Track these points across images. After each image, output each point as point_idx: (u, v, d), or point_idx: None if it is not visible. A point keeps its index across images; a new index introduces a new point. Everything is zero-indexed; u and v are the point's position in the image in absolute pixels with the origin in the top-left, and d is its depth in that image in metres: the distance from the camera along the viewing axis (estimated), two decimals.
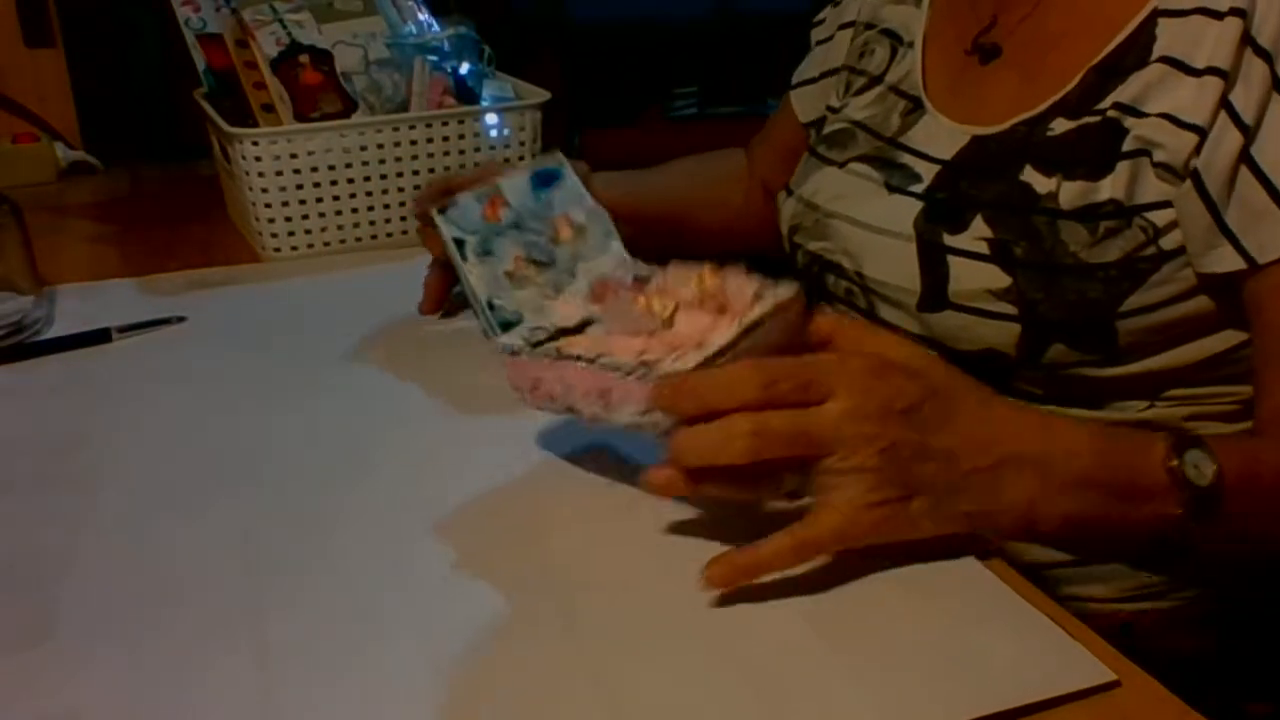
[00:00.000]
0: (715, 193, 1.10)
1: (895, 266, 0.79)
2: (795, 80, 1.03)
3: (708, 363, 0.57)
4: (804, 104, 1.02)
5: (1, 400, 0.79)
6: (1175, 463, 0.60)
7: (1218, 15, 0.67)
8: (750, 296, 0.61)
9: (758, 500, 0.60)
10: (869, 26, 0.93)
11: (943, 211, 0.77)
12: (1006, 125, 0.76)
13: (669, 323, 0.62)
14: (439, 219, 0.85)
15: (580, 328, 0.65)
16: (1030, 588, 0.58)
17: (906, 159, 0.82)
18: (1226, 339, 0.72)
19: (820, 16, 1.02)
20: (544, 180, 0.88)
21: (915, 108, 0.84)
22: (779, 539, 0.56)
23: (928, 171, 0.80)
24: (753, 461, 0.55)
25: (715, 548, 0.61)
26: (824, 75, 0.99)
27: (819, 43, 1.01)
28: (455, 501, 0.66)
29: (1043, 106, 0.74)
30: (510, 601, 0.57)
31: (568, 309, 0.66)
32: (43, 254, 0.95)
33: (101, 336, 0.87)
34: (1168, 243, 0.69)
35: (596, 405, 0.61)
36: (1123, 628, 0.76)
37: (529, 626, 0.55)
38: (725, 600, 0.56)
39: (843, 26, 0.97)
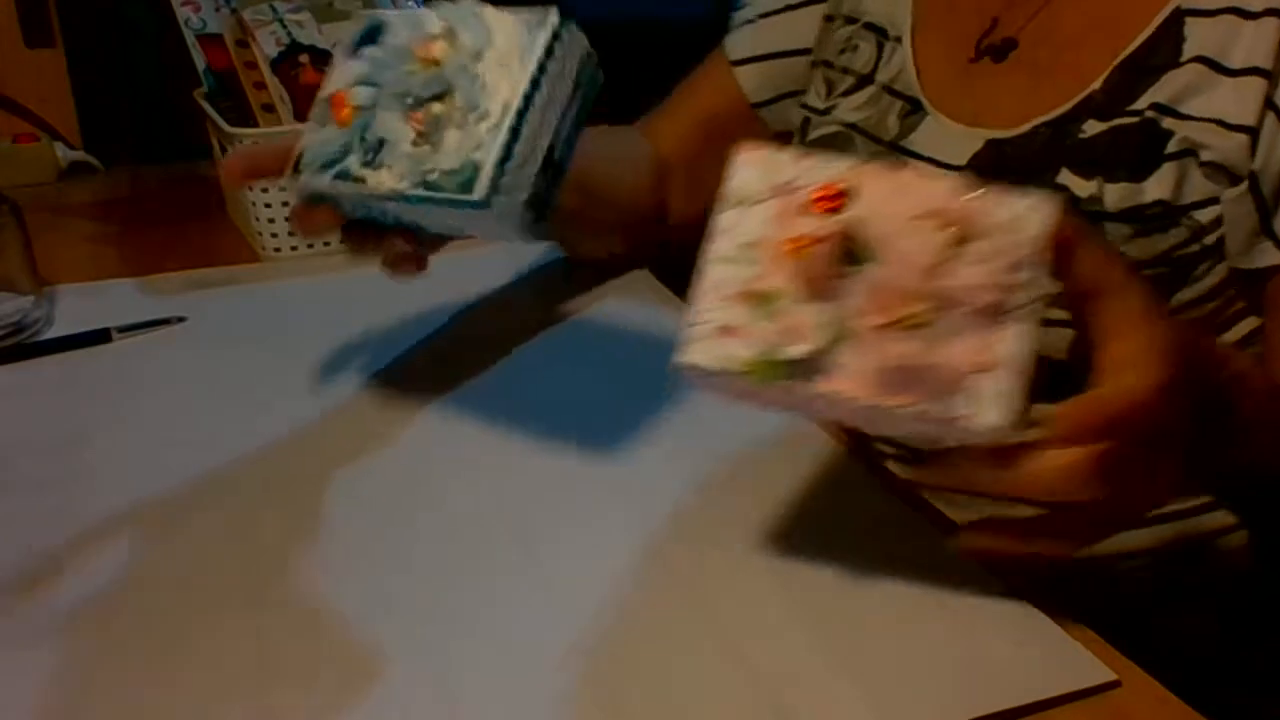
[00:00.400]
0: (613, 174, 0.96)
1: None
2: (745, 54, 0.95)
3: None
4: (755, 82, 0.95)
5: (1, 400, 0.79)
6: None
7: (1251, 15, 0.67)
8: (1014, 255, 0.49)
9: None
10: (851, 20, 0.89)
11: None
12: (1025, 128, 0.74)
13: (933, 340, 0.49)
14: (300, 181, 0.65)
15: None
16: (1030, 587, 0.58)
17: (913, 165, 0.80)
18: (1251, 324, 0.73)
19: None
20: (369, 41, 0.67)
21: (914, 109, 0.82)
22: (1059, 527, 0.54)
23: None
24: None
25: (715, 547, 0.61)
26: (786, 55, 0.93)
27: (778, 11, 0.94)
28: (454, 498, 0.66)
29: (1065, 107, 0.73)
30: (510, 601, 0.57)
31: (798, 333, 0.50)
32: (43, 254, 0.95)
33: (101, 336, 0.87)
34: (1210, 239, 0.69)
35: (852, 423, 0.53)
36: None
37: (528, 626, 0.55)
38: (725, 600, 0.56)
39: (810, 1, 0.92)
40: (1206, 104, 0.68)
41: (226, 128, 1.03)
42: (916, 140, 0.81)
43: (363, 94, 0.64)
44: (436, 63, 0.63)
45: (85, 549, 0.61)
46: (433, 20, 0.64)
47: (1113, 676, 0.52)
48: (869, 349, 0.48)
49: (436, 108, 0.61)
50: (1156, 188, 0.69)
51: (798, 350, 0.49)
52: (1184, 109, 0.68)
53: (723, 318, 0.51)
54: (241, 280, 1.01)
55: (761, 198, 0.52)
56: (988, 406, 0.47)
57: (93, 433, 0.74)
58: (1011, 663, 0.53)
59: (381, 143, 0.62)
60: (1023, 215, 0.48)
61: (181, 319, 0.91)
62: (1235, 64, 0.67)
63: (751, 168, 0.53)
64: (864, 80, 0.86)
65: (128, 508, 0.65)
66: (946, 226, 0.49)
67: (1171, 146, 0.69)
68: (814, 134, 0.88)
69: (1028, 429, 0.48)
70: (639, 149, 0.99)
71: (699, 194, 0.96)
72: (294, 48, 1.07)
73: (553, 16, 0.62)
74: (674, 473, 0.68)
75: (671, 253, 0.97)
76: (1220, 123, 0.67)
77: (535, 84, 0.60)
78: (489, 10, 0.63)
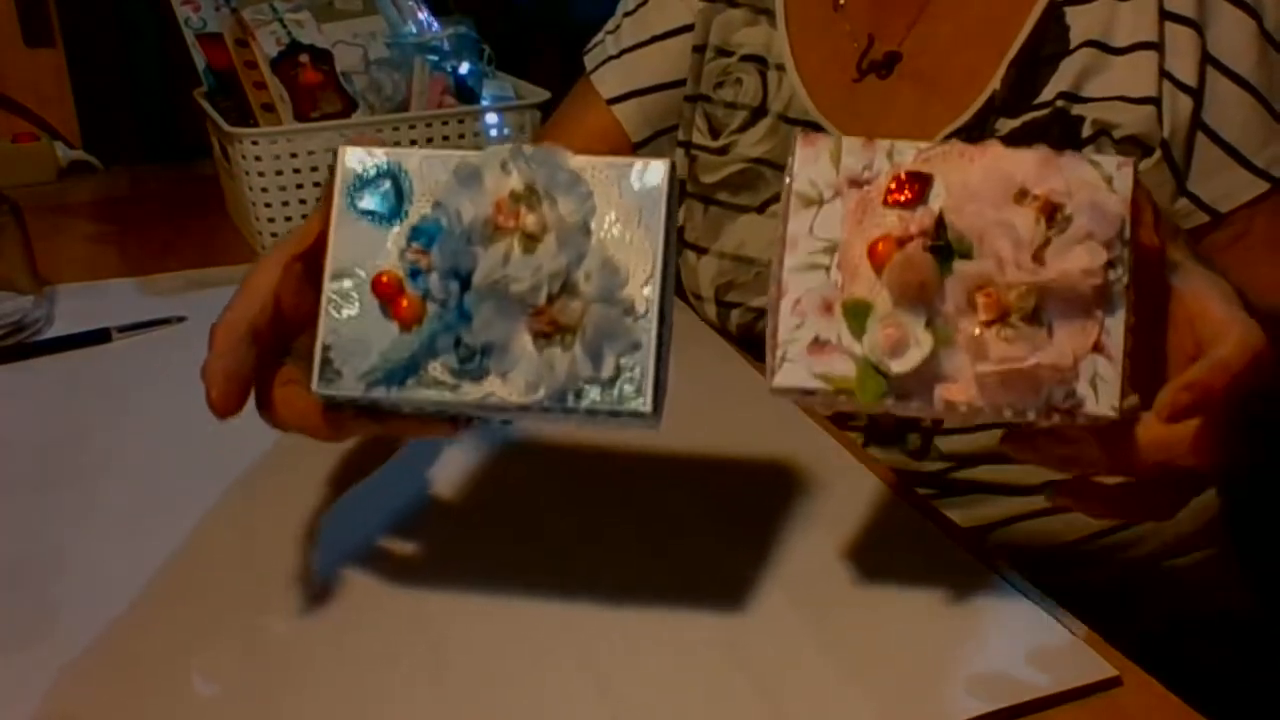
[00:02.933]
0: None
1: None
2: (620, 90, 0.90)
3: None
4: (637, 119, 0.91)
5: (1, 400, 0.79)
6: None
7: None
8: (1102, 232, 0.46)
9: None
10: (724, 53, 0.85)
11: None
12: (936, 139, 0.75)
13: (1040, 332, 0.46)
14: (345, 394, 0.49)
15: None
16: (1030, 586, 0.58)
17: None
18: None
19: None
20: (380, 196, 0.50)
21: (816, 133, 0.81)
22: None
23: None
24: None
25: (714, 546, 0.61)
26: (661, 88, 0.90)
27: (643, 44, 0.90)
28: (451, 495, 0.66)
29: (969, 113, 0.74)
30: (509, 602, 0.57)
31: (899, 349, 0.46)
32: (43, 254, 0.95)
33: (101, 336, 0.87)
34: None
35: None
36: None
37: (527, 626, 0.55)
38: (725, 599, 0.56)
39: (678, 31, 0.89)
40: (1105, 84, 0.71)
41: (226, 127, 1.03)
42: None
43: (435, 285, 0.48)
44: (534, 238, 0.48)
45: (85, 549, 0.61)
46: (494, 170, 0.48)
47: (1114, 672, 0.51)
48: (975, 352, 0.46)
49: (563, 302, 0.47)
50: None
51: (901, 365, 0.46)
52: (1085, 92, 0.71)
53: (812, 333, 0.47)
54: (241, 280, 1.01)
55: (832, 195, 0.48)
56: (1100, 394, 0.45)
57: (93, 433, 0.74)
58: (1011, 660, 0.52)
59: (487, 346, 0.48)
60: (1111, 177, 0.46)
61: (181, 319, 0.90)
62: (1121, 43, 0.70)
63: (815, 163, 0.49)
64: (757, 113, 0.83)
65: (128, 508, 0.65)
66: (1036, 204, 0.46)
67: (1086, 130, 0.71)
68: (714, 175, 0.85)
69: (1135, 405, 0.46)
70: None
71: None
72: (294, 47, 1.07)
73: (664, 164, 0.49)
74: (673, 471, 0.68)
75: None
76: (1123, 99, 0.70)
77: (667, 257, 0.48)
78: (575, 159, 0.49)
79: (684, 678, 0.52)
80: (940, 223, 0.46)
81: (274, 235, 1.05)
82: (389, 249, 0.49)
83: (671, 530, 0.63)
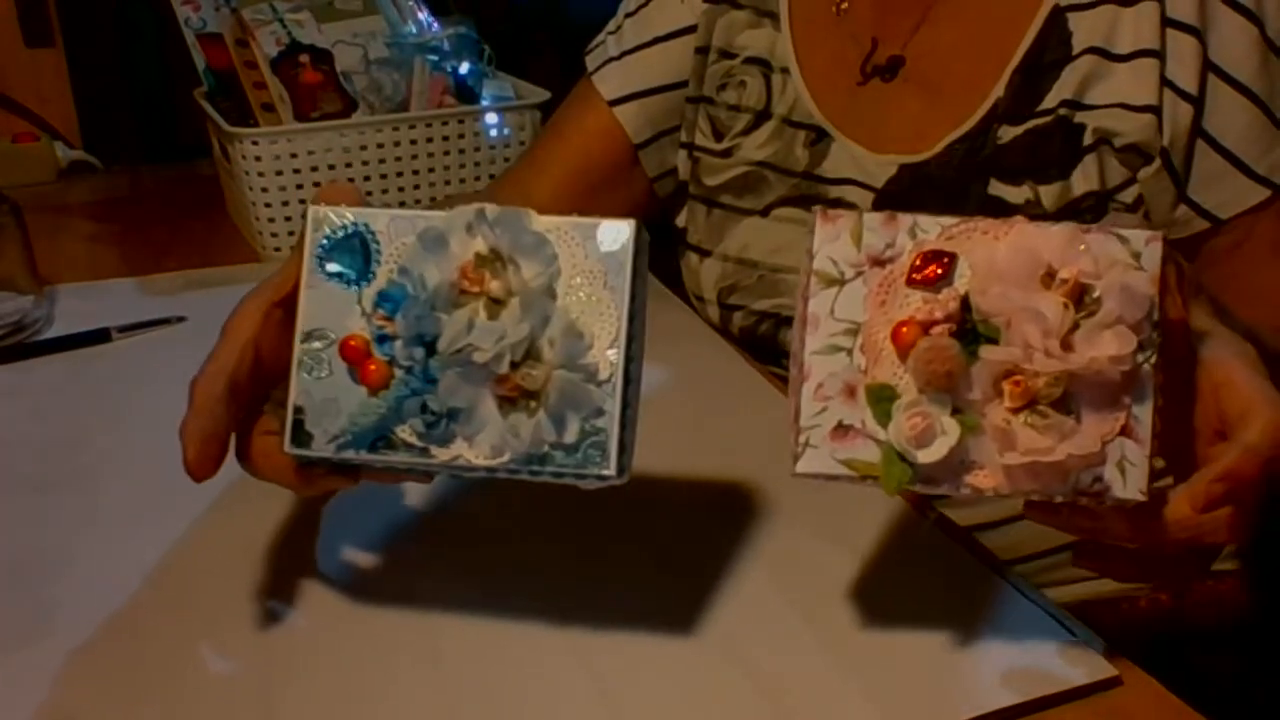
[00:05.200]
0: None
1: None
2: (622, 92, 0.88)
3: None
4: (638, 121, 0.89)
5: (1, 400, 0.79)
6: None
7: (1127, 2, 0.70)
8: (1131, 315, 0.45)
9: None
10: (727, 55, 0.85)
11: None
12: (939, 148, 0.75)
13: (1066, 419, 0.45)
14: (315, 456, 0.50)
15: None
16: (1030, 586, 0.58)
17: (834, 191, 0.79)
18: None
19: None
20: (349, 260, 0.50)
21: (820, 137, 0.80)
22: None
23: (864, 200, 0.78)
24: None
25: (714, 547, 0.61)
26: (663, 90, 0.89)
27: (645, 45, 0.89)
28: (451, 498, 0.66)
29: (973, 120, 0.74)
30: (509, 602, 0.57)
31: (926, 438, 0.46)
32: (43, 254, 0.95)
33: (101, 336, 0.87)
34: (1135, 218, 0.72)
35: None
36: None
37: (527, 627, 0.55)
38: (725, 600, 0.56)
39: (680, 33, 0.88)
40: (1106, 91, 0.71)
41: (226, 127, 1.03)
42: (828, 168, 0.80)
43: (400, 351, 0.49)
44: (499, 302, 0.48)
45: (85, 549, 0.61)
46: (459, 234, 0.48)
47: (1114, 672, 0.51)
48: (1002, 442, 0.45)
49: (526, 369, 0.48)
50: (1083, 181, 0.71)
51: (929, 455, 0.45)
52: (1088, 100, 0.71)
53: (835, 418, 0.47)
54: (241, 280, 1.01)
55: (854, 274, 0.47)
56: (1128, 479, 0.45)
57: (93, 433, 0.74)
58: (1011, 660, 0.52)
59: (453, 412, 0.49)
60: (1139, 253, 0.46)
61: (181, 319, 0.91)
62: (1123, 49, 0.70)
63: (836, 240, 0.48)
64: (761, 116, 0.83)
65: (127, 508, 0.65)
66: (1064, 288, 0.45)
67: (1087, 138, 0.71)
68: (718, 178, 0.85)
69: (1165, 487, 0.47)
70: None
71: None
72: (294, 47, 1.07)
73: (629, 224, 0.49)
74: (673, 471, 0.68)
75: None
76: (1124, 106, 0.70)
77: (633, 318, 0.48)
78: (540, 220, 0.49)
79: (684, 678, 0.52)
80: (965, 305, 0.46)
81: (274, 235, 1.05)
82: (357, 311, 0.50)
83: (670, 531, 0.63)
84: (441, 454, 0.49)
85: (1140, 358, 0.45)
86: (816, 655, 0.53)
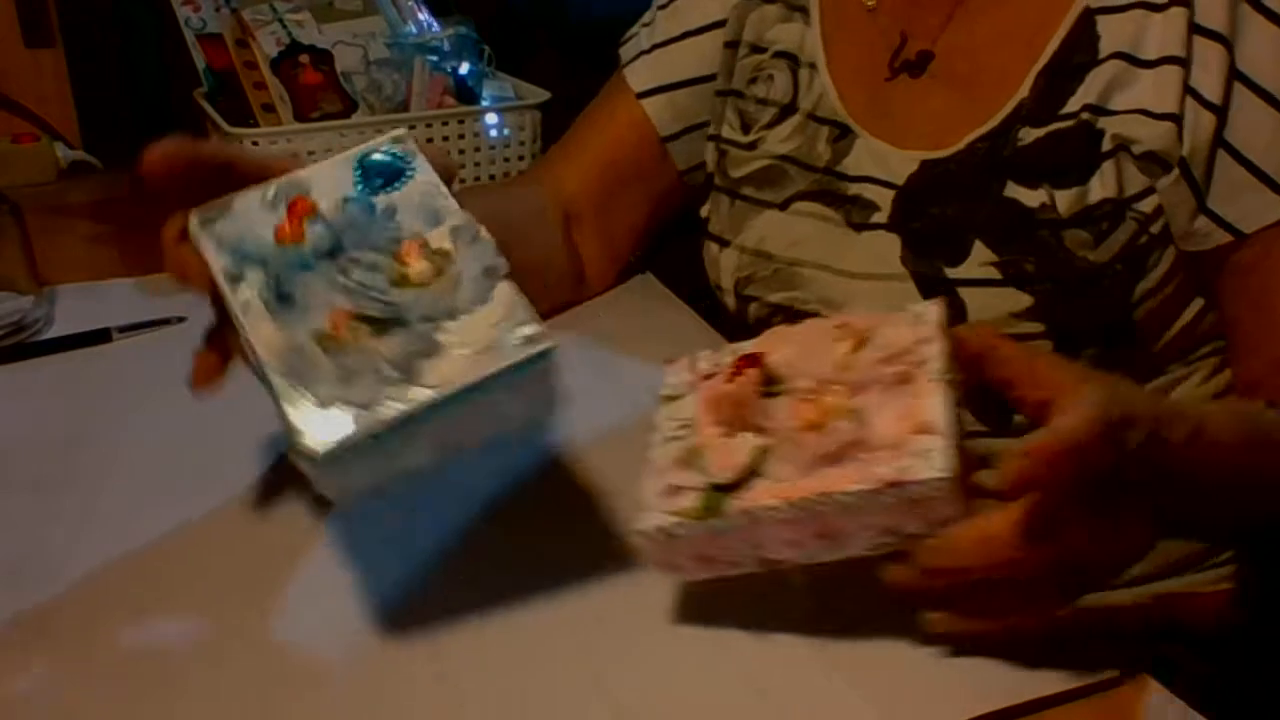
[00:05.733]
0: (518, 233, 0.85)
1: (894, 308, 0.77)
2: (650, 84, 0.90)
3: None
4: (667, 114, 0.90)
5: (1, 400, 0.79)
6: None
7: (1157, 7, 0.69)
8: (912, 341, 0.53)
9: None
10: (757, 49, 0.85)
11: (929, 243, 0.74)
12: (962, 145, 0.74)
13: (858, 422, 0.51)
14: (201, 234, 0.56)
15: (729, 487, 0.52)
16: None
17: (854, 188, 0.79)
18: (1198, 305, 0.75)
19: None
20: (379, 174, 0.56)
21: (843, 133, 0.80)
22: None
23: (882, 198, 0.77)
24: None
25: None
26: (692, 83, 0.89)
27: (676, 39, 0.90)
28: (452, 500, 0.66)
29: (997, 119, 0.73)
30: (508, 603, 0.57)
31: (727, 459, 0.52)
32: (43, 254, 0.95)
33: (101, 336, 0.87)
34: (1156, 228, 0.71)
35: (812, 548, 0.52)
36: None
37: (527, 628, 0.55)
38: (725, 601, 0.56)
39: (710, 27, 0.89)
40: (1129, 97, 0.69)
41: (226, 128, 1.03)
42: (850, 164, 0.79)
43: (320, 231, 0.54)
44: (404, 277, 0.52)
45: (85, 549, 0.61)
46: (441, 228, 0.54)
47: (1114, 673, 0.52)
48: (799, 449, 0.50)
49: (364, 330, 0.51)
50: (1100, 187, 0.70)
51: (727, 474, 0.51)
52: (1111, 105, 0.70)
53: (666, 482, 0.54)
54: None
55: (689, 390, 0.58)
56: (927, 459, 0.48)
57: (93, 433, 0.74)
58: (1011, 661, 0.52)
59: (290, 295, 0.52)
60: (916, 315, 0.54)
61: (181, 319, 0.90)
62: (1150, 55, 0.69)
63: (677, 374, 0.60)
64: (787, 110, 0.83)
65: (128, 508, 0.65)
66: (848, 337, 0.54)
67: (1106, 144, 0.70)
68: (742, 170, 0.85)
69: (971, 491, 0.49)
70: (541, 202, 0.91)
71: (612, 240, 0.94)
72: (294, 47, 1.07)
73: (547, 342, 0.51)
74: None
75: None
76: (1145, 113, 0.69)
77: (466, 399, 0.49)
78: (501, 285, 0.52)
79: (683, 678, 0.52)
80: (765, 370, 0.54)
81: None
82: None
83: None
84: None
85: (926, 368, 0.51)
86: (815, 655, 0.53)
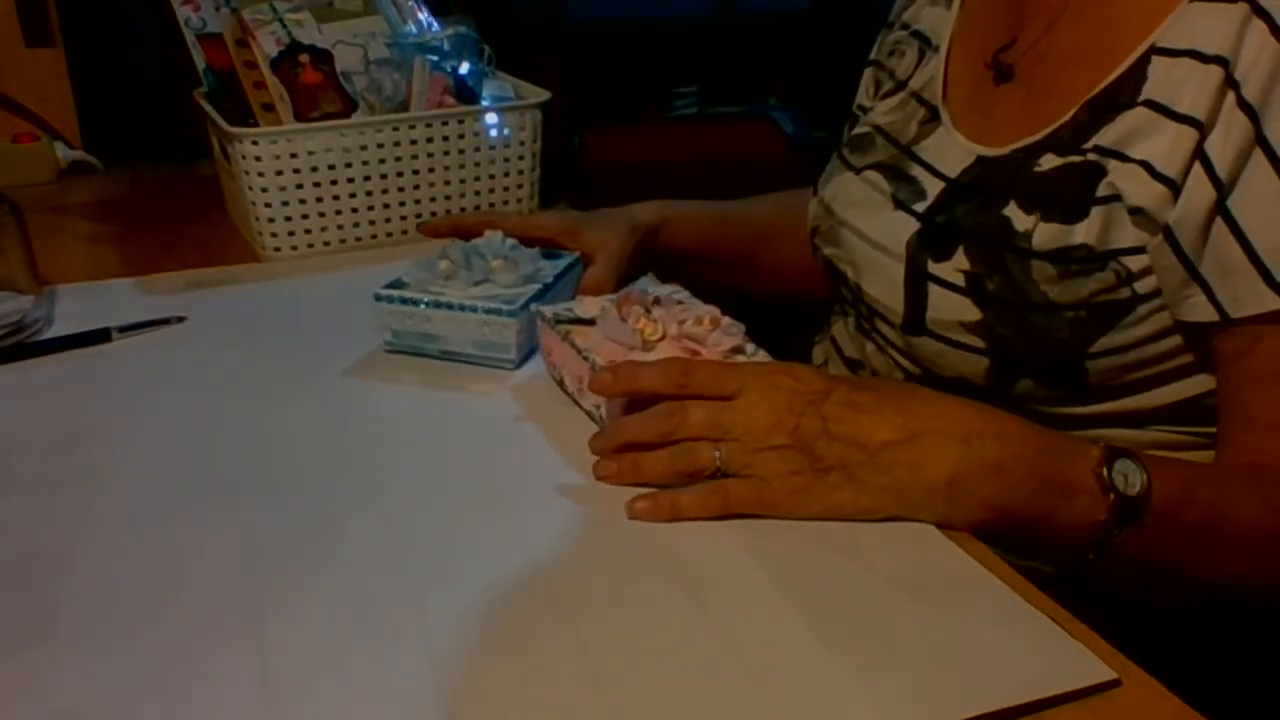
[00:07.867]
0: (783, 228, 1.04)
1: (886, 286, 0.80)
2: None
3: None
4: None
5: (1, 400, 0.79)
6: (1105, 470, 0.60)
7: (1204, 59, 0.66)
8: (723, 353, 0.71)
9: (689, 483, 0.64)
10: (904, 26, 0.92)
11: (932, 238, 0.77)
12: (1007, 149, 0.75)
13: (649, 346, 0.73)
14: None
15: (590, 322, 0.76)
16: (1029, 586, 0.58)
17: (916, 171, 0.81)
18: (1204, 382, 0.72)
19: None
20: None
21: (932, 118, 0.83)
22: (702, 490, 0.63)
23: (933, 188, 0.79)
24: (674, 440, 0.64)
25: (711, 546, 0.61)
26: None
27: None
28: (455, 503, 0.66)
29: (1040, 135, 0.73)
30: (509, 604, 0.57)
31: (590, 305, 0.77)
32: (43, 254, 0.95)
33: (101, 336, 0.87)
34: (1142, 286, 0.69)
35: (574, 388, 0.75)
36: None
37: (529, 629, 0.55)
38: (725, 600, 0.56)
39: (889, 24, 0.96)
40: (1146, 147, 0.68)
41: (226, 128, 1.03)
42: (925, 148, 0.82)
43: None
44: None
45: (85, 549, 0.61)
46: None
47: (1113, 675, 0.52)
48: (621, 334, 0.73)
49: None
50: (1084, 232, 0.69)
51: (590, 314, 0.77)
52: (1127, 151, 0.68)
53: (575, 308, 0.79)
54: (241, 280, 1.01)
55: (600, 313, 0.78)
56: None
57: (93, 433, 0.74)
58: (1011, 662, 0.52)
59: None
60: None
61: (181, 319, 0.91)
62: (1180, 109, 0.66)
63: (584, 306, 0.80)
64: (900, 85, 0.88)
65: (128, 508, 0.65)
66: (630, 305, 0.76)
67: (1101, 190, 0.69)
68: (854, 131, 0.92)
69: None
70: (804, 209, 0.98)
71: None
72: (294, 47, 1.07)
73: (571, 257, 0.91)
74: None
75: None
76: (1149, 168, 0.67)
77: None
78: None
79: (683, 677, 0.52)
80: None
81: (274, 235, 1.05)
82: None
83: (669, 530, 0.63)
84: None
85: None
86: (815, 655, 0.53)
